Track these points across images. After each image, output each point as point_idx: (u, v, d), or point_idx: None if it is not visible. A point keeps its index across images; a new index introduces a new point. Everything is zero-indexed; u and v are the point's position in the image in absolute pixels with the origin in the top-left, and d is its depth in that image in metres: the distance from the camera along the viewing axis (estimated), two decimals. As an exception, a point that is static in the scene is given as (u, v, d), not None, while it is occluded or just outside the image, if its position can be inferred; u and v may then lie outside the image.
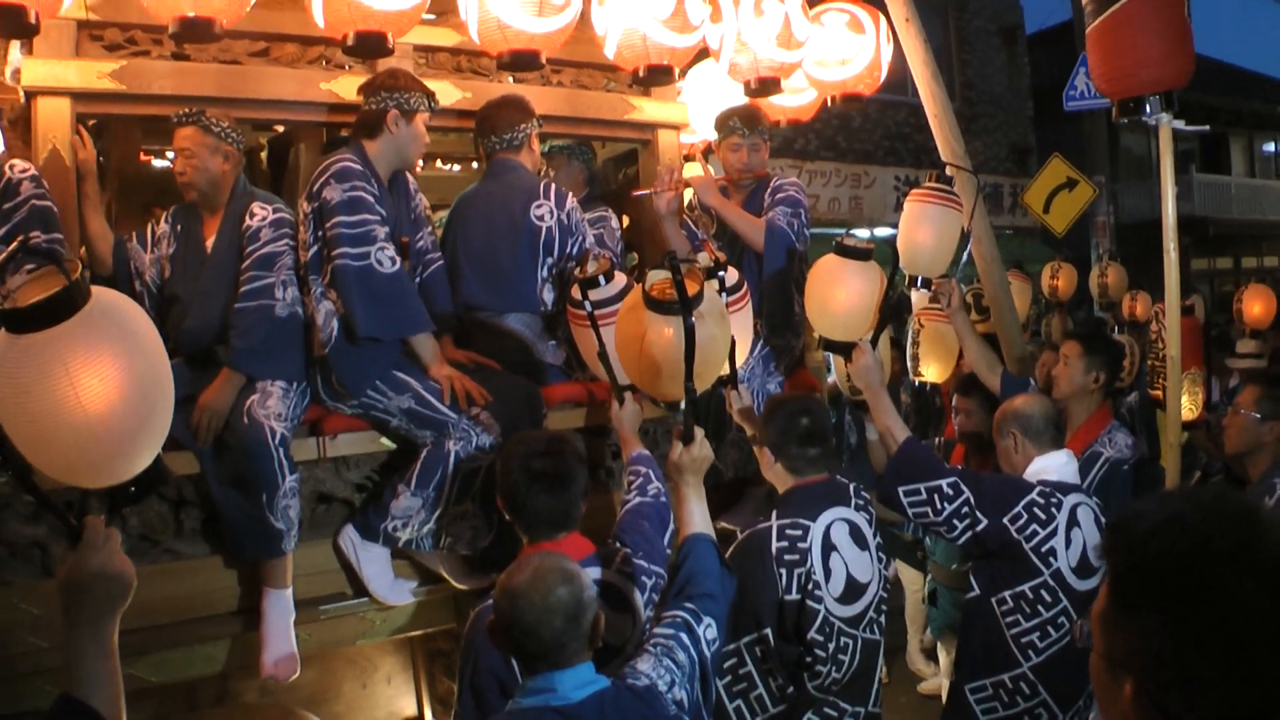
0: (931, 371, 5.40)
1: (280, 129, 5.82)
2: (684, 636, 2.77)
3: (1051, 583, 3.73)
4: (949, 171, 4.94)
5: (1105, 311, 9.94)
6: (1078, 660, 3.73)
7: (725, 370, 3.87)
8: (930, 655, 7.06)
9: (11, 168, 3.67)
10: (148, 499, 3.74)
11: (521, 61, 4.12)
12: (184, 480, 3.81)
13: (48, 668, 3.37)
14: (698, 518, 3.09)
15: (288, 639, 3.77)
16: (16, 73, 3.95)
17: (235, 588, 3.91)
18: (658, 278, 3.18)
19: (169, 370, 2.08)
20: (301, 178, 4.13)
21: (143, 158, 6.01)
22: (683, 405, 3.15)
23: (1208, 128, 5.21)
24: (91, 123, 4.42)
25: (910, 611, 7.14)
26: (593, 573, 3.17)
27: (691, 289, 3.04)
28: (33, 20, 3.36)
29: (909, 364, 5.35)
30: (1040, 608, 3.74)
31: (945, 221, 4.60)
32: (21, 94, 4.01)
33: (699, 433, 3.11)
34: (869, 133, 18.90)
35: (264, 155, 6.29)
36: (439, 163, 7.53)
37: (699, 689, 2.76)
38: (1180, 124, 4.42)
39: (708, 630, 2.84)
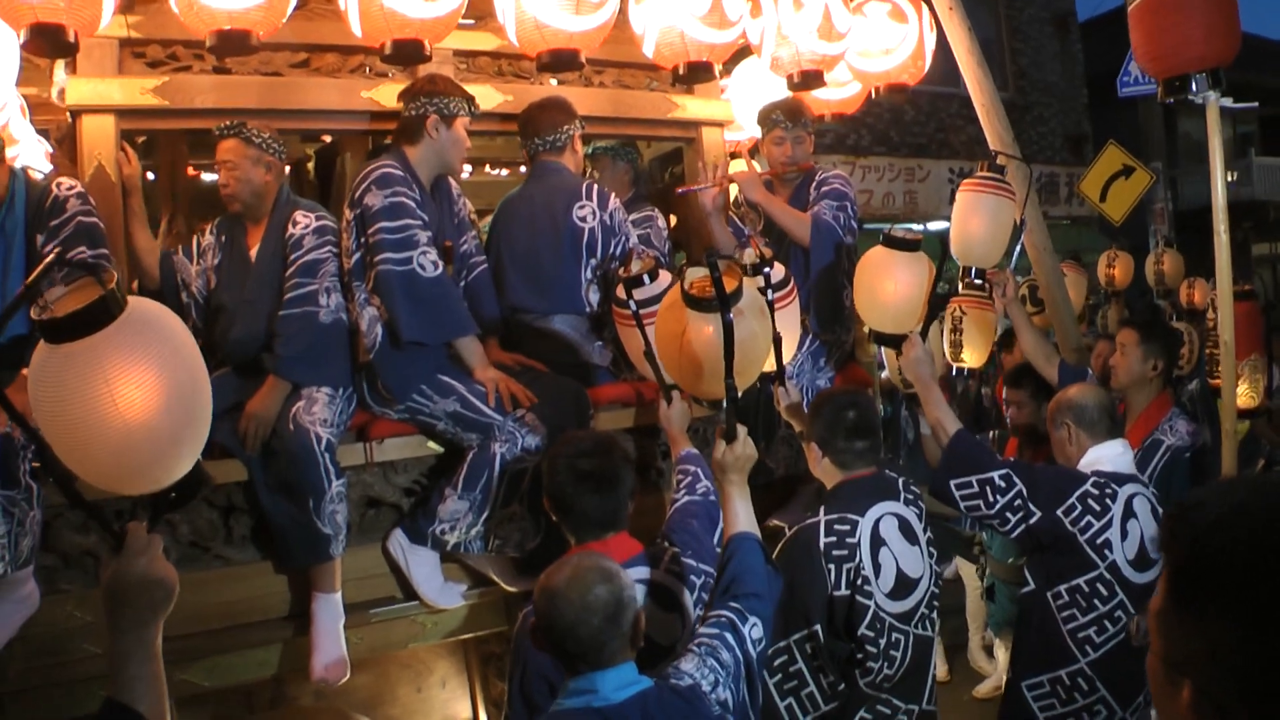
0: (971, 357, 5.33)
1: (327, 139, 5.87)
2: (729, 636, 2.75)
3: (1108, 575, 3.67)
4: (1000, 160, 4.87)
5: (1163, 299, 9.79)
6: (1136, 656, 3.67)
7: (773, 367, 3.84)
8: (992, 653, 6.97)
9: (59, 185, 3.71)
10: (197, 506, 3.80)
11: (560, 61, 4.12)
12: (233, 487, 3.86)
13: (101, 674, 3.38)
14: (742, 516, 3.06)
15: (337, 642, 3.80)
16: (62, 92, 4.01)
17: (286, 593, 3.94)
18: (696, 275, 3.16)
19: (207, 378, 2.08)
20: (348, 187, 4.16)
21: (191, 173, 6.08)
22: (725, 403, 3.11)
23: (1256, 104, 5.11)
24: (141, 140, 4.47)
25: (971, 608, 7.06)
26: (639, 573, 3.16)
27: (730, 285, 3.01)
28: (71, 39, 3.43)
29: (949, 351, 5.28)
30: (1097, 601, 3.68)
31: (998, 211, 4.56)
32: (67, 113, 4.08)
33: (742, 431, 3.08)
34: (921, 126, 18.73)
35: (311, 166, 6.34)
36: (487, 168, 7.55)
37: (744, 689, 2.74)
38: (1228, 101, 4.33)
39: (753, 630, 2.82)
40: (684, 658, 2.68)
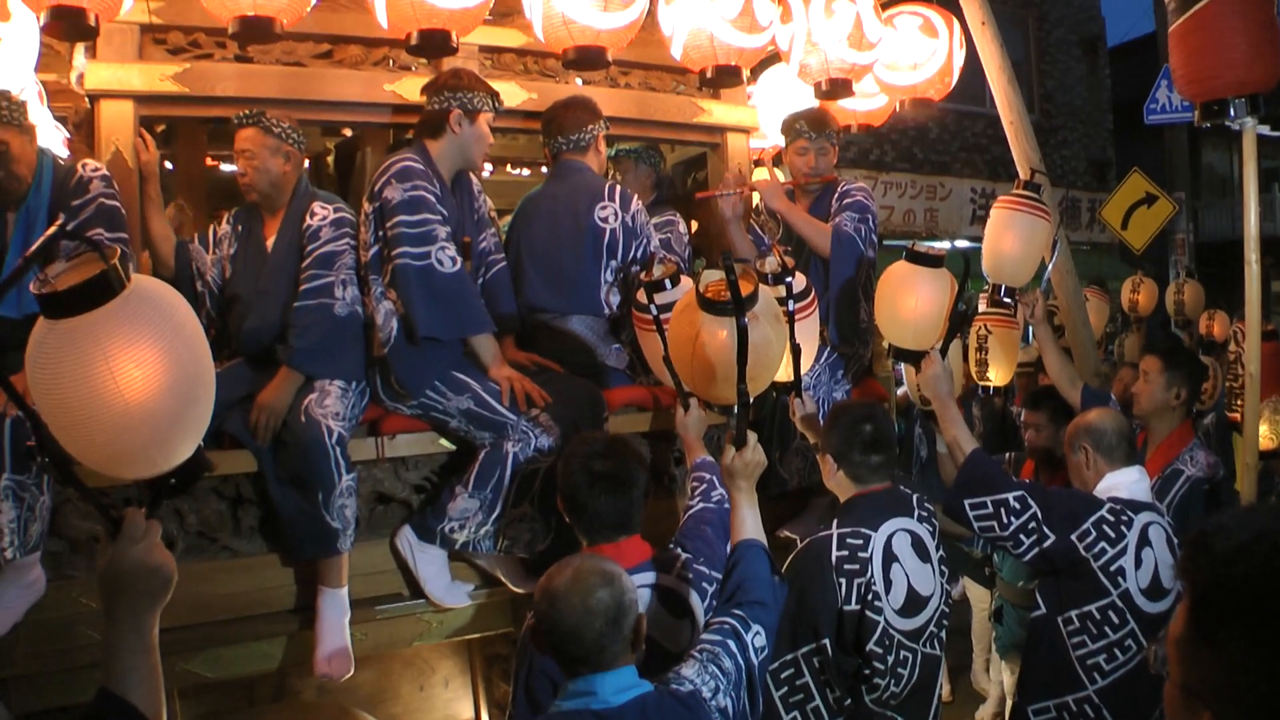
0: (996, 375, 5.30)
1: (347, 133, 5.85)
2: (731, 643, 2.73)
3: (1120, 604, 3.62)
4: (1036, 179, 4.84)
5: (1181, 330, 9.75)
6: (1145, 685, 3.64)
7: (789, 376, 3.82)
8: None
9: (84, 166, 3.72)
10: (205, 496, 3.78)
11: (587, 58, 4.11)
12: (242, 478, 3.84)
13: (106, 661, 3.39)
14: (749, 523, 3.05)
15: (342, 637, 3.77)
16: (81, 77, 4.01)
17: (292, 586, 3.92)
18: (712, 278, 3.13)
19: (210, 359, 2.03)
20: (368, 181, 4.15)
21: (209, 163, 6.06)
22: (736, 408, 3.08)
23: (1292, 133, 5.11)
24: (160, 129, 4.45)
25: (977, 630, 7.02)
26: (650, 577, 3.16)
27: (746, 289, 2.99)
28: (92, 23, 3.43)
29: (975, 370, 5.25)
30: (1107, 629, 3.64)
31: (1032, 230, 4.54)
32: (85, 98, 4.07)
33: (752, 437, 3.05)
34: (945, 144, 18.70)
35: (330, 159, 6.33)
36: (508, 167, 7.53)
37: (746, 697, 2.72)
38: (1265, 129, 4.30)
39: (756, 638, 2.80)
40: (685, 663, 2.66)
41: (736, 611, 2.82)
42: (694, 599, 3.19)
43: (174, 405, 1.92)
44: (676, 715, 2.48)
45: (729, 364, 2.97)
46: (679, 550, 3.32)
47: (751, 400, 3.06)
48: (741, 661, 2.71)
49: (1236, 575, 1.24)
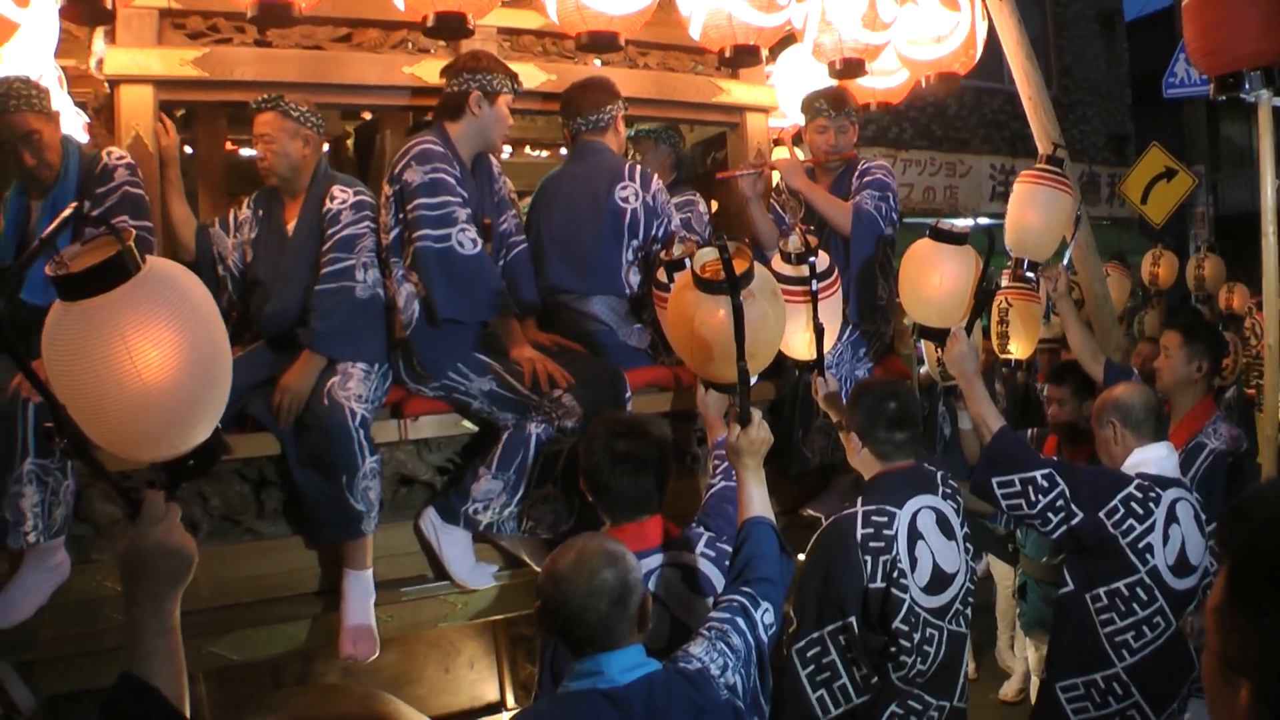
0: (1017, 349, 5.29)
1: (367, 116, 5.85)
2: (740, 621, 2.73)
3: (1148, 580, 3.61)
4: (1058, 153, 4.82)
5: (1201, 304, 9.69)
6: (1173, 661, 3.63)
7: (812, 355, 3.81)
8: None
9: (109, 154, 3.73)
10: (229, 479, 3.78)
11: (600, 43, 4.12)
12: (265, 461, 3.84)
13: (130, 644, 3.41)
14: (757, 501, 3.03)
15: (367, 620, 3.78)
16: (100, 62, 4.01)
17: (316, 568, 3.93)
18: (707, 257, 3.13)
19: (226, 340, 2.03)
20: (387, 164, 4.15)
21: (229, 147, 6.06)
22: (738, 386, 3.08)
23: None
24: (180, 113, 4.45)
25: (1001, 607, 7.01)
26: (673, 556, 3.19)
27: (740, 267, 2.99)
28: (109, 6, 3.45)
29: (996, 342, 5.24)
30: (1135, 606, 3.62)
31: (1055, 204, 4.54)
32: (105, 83, 4.08)
33: (756, 414, 3.05)
34: (964, 120, 18.55)
35: (350, 143, 6.32)
36: (526, 149, 7.52)
37: (755, 674, 2.73)
38: (1280, 102, 4.28)
39: (765, 615, 2.80)
40: (694, 641, 2.67)
41: (745, 589, 2.82)
42: (717, 577, 3.19)
43: (191, 386, 1.92)
44: (684, 693, 2.48)
45: (726, 342, 2.96)
46: (701, 529, 3.33)
47: (753, 379, 3.06)
48: (750, 639, 2.72)
49: (1274, 544, 1.23)
